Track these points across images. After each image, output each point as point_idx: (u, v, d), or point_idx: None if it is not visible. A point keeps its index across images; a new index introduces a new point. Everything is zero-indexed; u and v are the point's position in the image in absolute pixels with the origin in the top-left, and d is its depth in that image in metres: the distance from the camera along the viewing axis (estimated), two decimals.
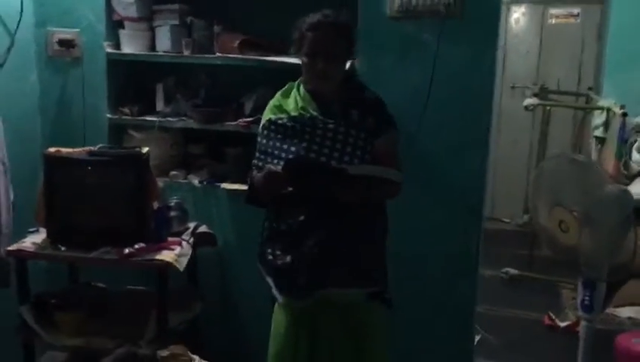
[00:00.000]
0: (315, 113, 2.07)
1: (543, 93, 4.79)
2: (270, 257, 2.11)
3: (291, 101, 2.13)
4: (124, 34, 2.93)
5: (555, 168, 2.44)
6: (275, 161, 2.05)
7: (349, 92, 2.12)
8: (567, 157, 2.50)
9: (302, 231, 2.04)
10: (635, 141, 3.92)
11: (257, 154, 2.14)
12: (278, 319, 2.19)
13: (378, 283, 2.16)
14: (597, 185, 2.33)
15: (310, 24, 2.04)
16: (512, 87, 5.68)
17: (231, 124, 2.84)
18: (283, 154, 2.06)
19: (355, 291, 2.11)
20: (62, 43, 2.91)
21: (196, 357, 2.31)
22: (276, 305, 2.20)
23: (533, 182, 2.51)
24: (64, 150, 2.55)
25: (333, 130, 2.04)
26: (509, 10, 5.64)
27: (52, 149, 2.55)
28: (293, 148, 2.05)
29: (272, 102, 2.19)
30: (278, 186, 2.01)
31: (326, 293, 2.07)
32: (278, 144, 2.08)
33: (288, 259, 2.05)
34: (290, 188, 2.04)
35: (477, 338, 3.32)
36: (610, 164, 4.02)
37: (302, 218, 2.04)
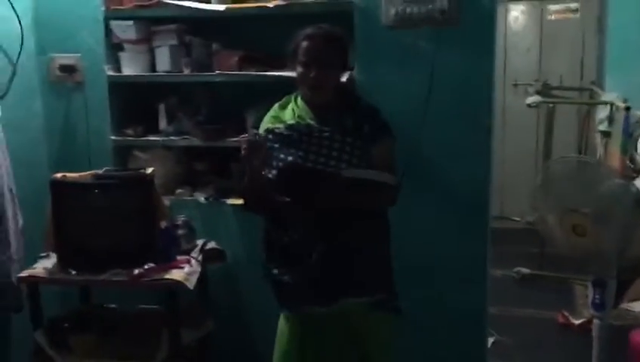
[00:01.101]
0: (311, 121, 2.10)
1: (545, 89, 4.77)
2: (275, 271, 2.13)
3: (288, 112, 2.17)
4: (124, 56, 2.97)
5: (561, 173, 2.42)
6: (273, 172, 2.07)
7: (344, 101, 2.15)
8: (571, 159, 2.48)
9: (303, 246, 2.05)
10: None
11: None
12: (283, 329, 2.21)
13: (383, 291, 2.17)
14: (603, 182, 2.32)
15: (305, 35, 2.09)
16: (515, 85, 5.67)
17: (234, 140, 2.86)
18: (280, 163, 2.08)
19: (360, 301, 2.12)
20: (63, 68, 2.94)
21: None
22: (282, 315, 2.22)
23: (538, 191, 2.48)
24: (70, 175, 2.57)
25: (329, 138, 2.07)
26: (507, 8, 5.64)
27: (58, 175, 2.58)
28: (290, 157, 2.07)
29: (269, 114, 2.23)
30: (259, 155, 1.99)
31: (331, 307, 2.08)
32: (275, 153, 2.10)
33: (291, 276, 2.07)
34: (287, 199, 2.04)
35: (491, 340, 3.31)
36: (616, 158, 3.99)
37: (301, 231, 2.05)
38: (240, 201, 2.80)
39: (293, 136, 2.10)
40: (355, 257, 2.08)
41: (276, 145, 2.10)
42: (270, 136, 2.13)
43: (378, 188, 2.01)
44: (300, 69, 2.09)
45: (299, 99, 2.17)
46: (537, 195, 2.49)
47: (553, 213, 2.38)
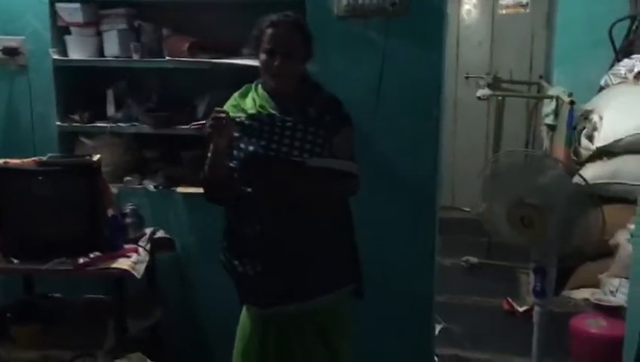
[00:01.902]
0: (273, 111, 2.08)
1: (496, 82, 4.88)
2: (236, 263, 2.11)
3: (249, 101, 2.13)
4: (70, 40, 2.89)
5: (508, 166, 2.48)
6: (234, 162, 2.06)
7: (305, 91, 2.13)
8: (518, 153, 2.54)
9: (267, 239, 2.04)
10: (584, 128, 4.04)
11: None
12: (245, 323, 2.18)
13: (354, 280, 2.20)
14: (547, 174, 2.40)
15: (270, 22, 2.03)
16: (467, 77, 5.77)
17: (184, 128, 2.82)
18: (242, 154, 2.06)
19: (334, 295, 2.13)
20: (6, 51, 2.85)
21: None
22: (244, 308, 2.20)
23: (486, 183, 2.54)
24: (12, 161, 2.50)
25: (292, 128, 2.05)
26: (460, 1, 5.72)
27: (0, 161, 2.50)
28: (251, 147, 2.05)
29: (229, 102, 2.18)
30: (225, 135, 1.97)
31: (305, 305, 2.09)
32: (236, 143, 2.07)
33: (258, 269, 2.06)
34: (250, 189, 2.03)
35: (438, 327, 3.38)
36: (561, 150, 4.12)
37: (264, 222, 2.03)
38: (190, 190, 2.81)
39: (254, 126, 2.06)
40: (325, 249, 2.08)
41: (237, 135, 2.07)
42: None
43: (342, 176, 2.01)
44: (263, 57, 2.03)
45: (259, 87, 2.12)
46: (485, 187, 2.54)
47: (502, 204, 2.44)
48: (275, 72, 2.02)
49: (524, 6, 5.56)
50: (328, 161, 2.01)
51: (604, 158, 3.94)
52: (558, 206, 2.34)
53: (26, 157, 2.55)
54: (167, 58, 2.82)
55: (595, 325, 3.05)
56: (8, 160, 2.51)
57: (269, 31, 2.02)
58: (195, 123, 2.79)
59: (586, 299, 3.69)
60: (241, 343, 2.18)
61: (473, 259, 4.61)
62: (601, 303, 3.18)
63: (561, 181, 2.41)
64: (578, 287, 3.90)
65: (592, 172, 3.79)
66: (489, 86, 4.72)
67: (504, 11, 5.64)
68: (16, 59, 2.86)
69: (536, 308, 2.55)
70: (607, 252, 3.76)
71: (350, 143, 2.14)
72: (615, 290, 3.47)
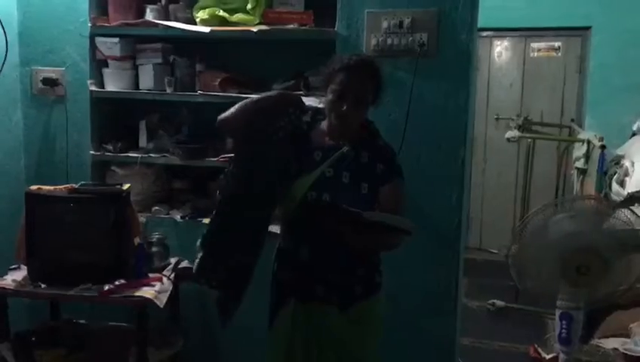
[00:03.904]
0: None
1: (526, 124, 4.86)
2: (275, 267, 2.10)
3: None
4: (107, 72, 2.99)
5: (547, 220, 2.42)
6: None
7: (362, 136, 2.07)
8: (552, 205, 2.49)
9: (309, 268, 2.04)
10: (615, 173, 3.98)
11: None
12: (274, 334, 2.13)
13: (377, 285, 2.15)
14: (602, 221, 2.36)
15: (345, 64, 1.96)
16: (497, 119, 5.76)
17: (213, 160, 2.88)
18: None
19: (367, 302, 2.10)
20: (46, 82, 2.96)
21: None
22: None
23: (529, 242, 2.45)
24: (45, 188, 2.57)
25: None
26: (491, 43, 5.75)
27: (34, 187, 2.58)
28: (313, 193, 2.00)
29: None
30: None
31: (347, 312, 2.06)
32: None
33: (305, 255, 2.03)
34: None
35: None
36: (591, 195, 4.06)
37: (304, 256, 2.03)
38: None
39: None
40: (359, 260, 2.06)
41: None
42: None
43: (393, 232, 1.95)
44: (331, 97, 1.96)
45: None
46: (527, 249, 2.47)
47: (548, 252, 2.37)
48: (342, 116, 1.96)
49: (557, 50, 5.56)
50: (384, 215, 1.95)
51: (636, 205, 3.86)
52: (614, 251, 2.30)
53: (60, 185, 2.63)
54: (199, 92, 2.89)
55: None
56: (41, 186, 2.58)
57: (343, 74, 1.95)
58: (224, 155, 2.86)
59: (616, 349, 3.56)
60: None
61: (500, 303, 4.52)
62: (631, 354, 3.08)
63: (613, 227, 2.37)
64: (608, 336, 3.78)
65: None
66: (519, 128, 4.71)
67: (536, 54, 5.64)
68: (55, 89, 2.97)
69: (562, 356, 2.49)
70: (639, 301, 3.65)
71: (399, 196, 2.08)
72: None
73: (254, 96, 2.07)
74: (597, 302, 2.56)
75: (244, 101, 2.04)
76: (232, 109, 2.02)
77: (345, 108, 1.94)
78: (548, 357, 3.68)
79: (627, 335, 3.62)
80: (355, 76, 1.95)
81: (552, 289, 2.45)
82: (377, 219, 1.91)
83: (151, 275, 2.59)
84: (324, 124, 2.05)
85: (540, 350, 3.77)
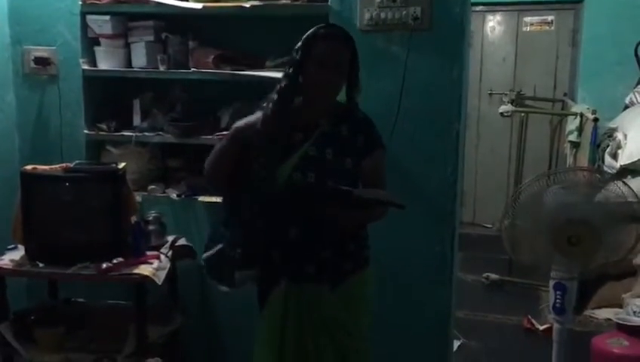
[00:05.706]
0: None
1: (519, 99, 4.86)
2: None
3: None
4: (99, 51, 2.97)
5: (539, 191, 2.41)
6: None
7: (340, 108, 2.05)
8: (544, 175, 2.49)
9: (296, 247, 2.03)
10: (608, 146, 4.01)
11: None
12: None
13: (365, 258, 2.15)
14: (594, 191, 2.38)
15: (323, 34, 1.94)
16: (490, 94, 5.77)
17: (208, 138, 2.87)
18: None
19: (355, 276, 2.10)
20: (38, 61, 2.94)
21: None
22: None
23: (513, 204, 2.46)
24: (40, 167, 2.57)
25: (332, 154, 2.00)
26: (484, 18, 5.73)
27: (29, 167, 2.57)
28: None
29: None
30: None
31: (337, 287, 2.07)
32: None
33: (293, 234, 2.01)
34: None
35: (457, 343, 3.36)
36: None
37: (293, 236, 2.01)
38: (211, 199, 2.84)
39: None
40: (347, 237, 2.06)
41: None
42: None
43: (384, 207, 1.96)
44: (312, 69, 1.92)
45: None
46: (515, 207, 2.48)
47: (540, 223, 2.38)
48: (325, 82, 1.94)
49: (549, 23, 5.55)
50: (373, 191, 1.96)
51: (628, 177, 3.89)
52: (605, 223, 2.32)
53: (54, 164, 2.62)
54: (193, 69, 2.88)
55: (618, 345, 2.99)
56: (37, 166, 2.58)
57: (323, 44, 1.93)
58: (219, 133, 2.86)
59: (609, 319, 3.63)
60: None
61: (494, 276, 4.58)
62: (624, 323, 3.12)
63: (606, 198, 2.39)
64: (601, 307, 3.84)
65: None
66: (512, 102, 4.71)
67: (528, 28, 5.63)
68: (47, 68, 2.94)
69: (556, 326, 2.53)
70: (631, 271, 3.70)
71: (382, 167, 2.08)
72: (638, 310, 3.41)
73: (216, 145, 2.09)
74: (589, 272, 2.59)
75: (211, 154, 2.09)
76: (206, 164, 2.11)
77: (329, 75, 1.93)
78: (542, 327, 3.74)
79: (620, 306, 3.69)
80: (331, 44, 1.93)
81: (545, 261, 2.47)
82: (368, 196, 1.92)
83: (148, 253, 2.60)
84: (297, 102, 1.98)
85: (533, 321, 3.83)
